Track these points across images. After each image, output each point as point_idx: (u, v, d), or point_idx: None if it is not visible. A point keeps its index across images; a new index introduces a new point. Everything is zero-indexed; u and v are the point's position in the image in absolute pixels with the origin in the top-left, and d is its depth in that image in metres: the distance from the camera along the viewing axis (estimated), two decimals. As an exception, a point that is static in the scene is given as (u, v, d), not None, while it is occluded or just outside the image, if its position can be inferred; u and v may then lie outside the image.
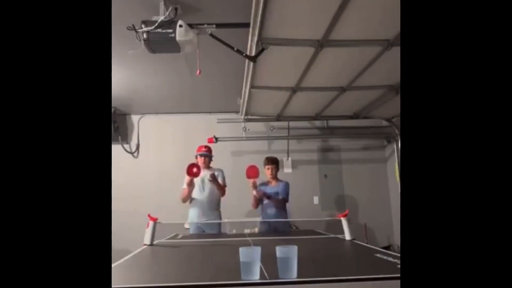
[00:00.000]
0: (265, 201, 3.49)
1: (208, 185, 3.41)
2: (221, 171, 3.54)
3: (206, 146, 3.58)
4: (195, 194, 3.39)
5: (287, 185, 3.55)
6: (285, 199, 3.49)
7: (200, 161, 3.47)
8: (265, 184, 3.59)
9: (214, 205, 3.42)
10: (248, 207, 4.24)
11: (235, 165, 4.50)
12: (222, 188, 3.44)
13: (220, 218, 3.41)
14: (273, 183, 3.58)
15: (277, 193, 3.50)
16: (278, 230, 3.37)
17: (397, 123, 4.22)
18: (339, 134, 4.63)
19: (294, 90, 3.11)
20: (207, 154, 3.52)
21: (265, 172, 3.60)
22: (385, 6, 1.81)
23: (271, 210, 3.43)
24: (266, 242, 2.13)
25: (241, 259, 1.08)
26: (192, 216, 3.37)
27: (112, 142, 4.29)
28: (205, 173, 3.43)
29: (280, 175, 4.16)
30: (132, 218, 3.89)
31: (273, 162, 3.60)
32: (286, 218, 3.53)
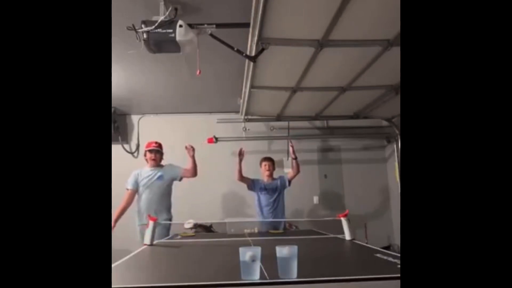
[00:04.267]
0: (263, 197, 3.52)
1: (155, 184, 3.15)
2: (171, 166, 3.29)
3: (156, 142, 3.37)
4: (141, 195, 3.15)
5: (283, 177, 3.62)
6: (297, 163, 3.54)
7: (150, 157, 3.24)
8: (260, 180, 3.59)
9: (163, 207, 3.14)
10: (248, 207, 4.26)
11: (235, 165, 4.50)
12: (194, 167, 3.19)
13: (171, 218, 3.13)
14: (270, 179, 3.59)
15: (275, 188, 3.52)
16: (276, 226, 3.37)
17: (397, 123, 4.22)
18: (339, 134, 4.62)
19: (294, 90, 3.11)
20: (158, 150, 3.29)
21: (262, 170, 3.61)
22: (385, 6, 1.81)
23: (269, 203, 3.48)
24: (266, 242, 2.13)
25: (241, 259, 1.08)
26: (138, 221, 3.13)
27: (112, 142, 4.29)
28: (153, 172, 3.20)
29: (280, 175, 4.15)
30: (132, 218, 3.89)
31: (269, 159, 3.63)
32: (284, 206, 3.57)
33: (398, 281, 0.84)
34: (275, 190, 3.54)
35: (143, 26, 2.03)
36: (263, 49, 2.14)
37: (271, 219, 3.42)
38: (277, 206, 3.52)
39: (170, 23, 2.03)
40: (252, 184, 3.59)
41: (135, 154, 4.53)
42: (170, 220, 3.13)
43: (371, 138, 4.70)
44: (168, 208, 3.22)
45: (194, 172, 3.26)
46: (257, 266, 1.07)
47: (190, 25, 2.11)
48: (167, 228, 3.01)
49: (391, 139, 4.55)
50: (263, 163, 3.63)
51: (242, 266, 1.08)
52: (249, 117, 4.16)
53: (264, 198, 3.53)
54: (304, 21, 1.98)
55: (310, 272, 1.14)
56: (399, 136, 4.26)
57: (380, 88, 3.15)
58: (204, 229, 3.46)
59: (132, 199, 3.16)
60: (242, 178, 3.54)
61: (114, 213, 3.03)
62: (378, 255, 1.54)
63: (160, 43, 2.07)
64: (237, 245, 1.18)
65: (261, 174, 3.64)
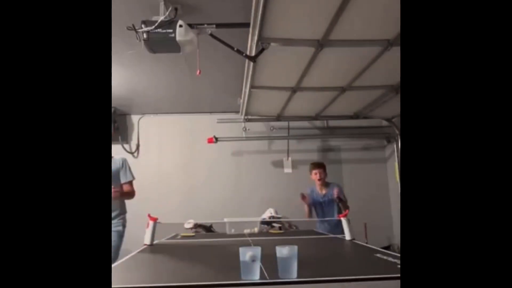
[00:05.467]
0: (317, 210, 3.20)
1: None
2: (124, 160, 2.72)
3: None
4: None
5: (341, 190, 3.25)
6: (346, 206, 3.14)
7: None
8: (314, 191, 3.32)
9: (114, 209, 2.62)
10: (248, 207, 4.25)
11: (235, 165, 4.51)
12: (130, 188, 2.59)
13: (124, 225, 2.63)
14: (323, 190, 3.31)
15: (331, 201, 3.21)
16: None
17: (397, 123, 4.22)
18: (339, 134, 4.62)
19: (294, 90, 3.11)
20: None
21: (313, 178, 3.38)
22: (385, 6, 1.81)
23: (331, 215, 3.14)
24: (266, 242, 2.13)
25: (241, 259, 1.08)
26: None
27: (112, 142, 4.29)
28: None
29: (280, 175, 4.14)
30: (132, 218, 3.89)
31: (320, 166, 3.33)
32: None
33: (398, 281, 0.84)
34: (329, 202, 3.23)
35: (143, 26, 2.03)
36: (263, 49, 2.14)
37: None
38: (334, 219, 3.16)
39: (170, 23, 2.03)
40: (310, 205, 3.31)
41: (135, 154, 4.54)
42: (124, 227, 2.63)
43: (371, 138, 4.70)
44: (122, 210, 2.71)
45: (130, 194, 2.69)
46: (257, 266, 1.07)
47: (190, 25, 2.11)
48: (121, 235, 2.57)
49: (391, 139, 4.55)
50: (313, 171, 3.32)
51: (242, 266, 1.08)
52: (249, 117, 4.16)
53: (319, 211, 3.24)
54: (304, 21, 1.98)
55: (310, 272, 1.14)
56: (399, 136, 4.26)
57: (380, 88, 3.15)
58: (204, 229, 3.45)
59: None
60: (310, 213, 3.35)
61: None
62: (378, 255, 1.54)
63: (160, 43, 2.06)
64: (237, 245, 1.18)
65: (312, 180, 3.40)
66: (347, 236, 2.18)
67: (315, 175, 3.31)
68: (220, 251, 1.99)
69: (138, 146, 4.54)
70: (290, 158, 4.54)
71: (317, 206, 3.28)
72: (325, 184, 3.32)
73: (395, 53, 2.26)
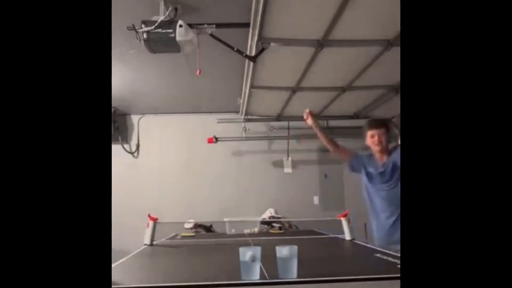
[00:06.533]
0: (372, 185, 2.17)
1: None
2: None
3: None
4: None
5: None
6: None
7: None
8: (367, 158, 2.31)
9: None
10: (248, 207, 4.25)
11: (235, 165, 4.51)
12: None
13: None
14: (384, 158, 2.20)
15: (393, 170, 2.11)
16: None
17: (397, 123, 4.22)
18: (339, 134, 4.62)
19: (294, 90, 3.11)
20: None
21: (368, 143, 2.27)
22: (385, 6, 1.81)
23: (385, 196, 2.12)
24: (266, 242, 2.13)
25: (241, 259, 1.08)
26: None
27: (112, 142, 4.29)
28: None
29: (280, 175, 4.09)
30: (132, 218, 3.89)
31: (379, 125, 2.20)
32: None
33: (398, 281, 0.84)
34: (392, 173, 2.12)
35: (143, 26, 2.03)
36: (263, 49, 2.14)
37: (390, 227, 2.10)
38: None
39: (170, 23, 2.03)
40: (353, 161, 2.34)
41: (135, 154, 4.54)
42: None
43: (371, 138, 4.69)
44: None
45: None
46: (257, 266, 1.07)
47: (190, 25, 2.11)
48: None
49: (391, 139, 4.55)
50: (369, 133, 2.19)
51: (242, 266, 1.08)
52: (249, 117, 4.16)
53: (374, 187, 2.21)
54: (304, 21, 1.98)
55: (310, 272, 1.14)
56: (399, 136, 4.26)
57: (380, 88, 3.16)
58: (204, 229, 3.46)
59: None
60: (336, 149, 2.38)
61: None
62: (378, 255, 1.54)
63: (160, 43, 2.07)
64: (237, 245, 1.18)
65: (368, 144, 2.33)
66: (347, 236, 2.18)
67: (371, 138, 2.19)
68: (220, 251, 1.99)
69: (138, 146, 4.54)
70: (290, 158, 4.53)
71: (373, 179, 2.20)
72: (387, 151, 2.19)
73: (395, 53, 2.26)
